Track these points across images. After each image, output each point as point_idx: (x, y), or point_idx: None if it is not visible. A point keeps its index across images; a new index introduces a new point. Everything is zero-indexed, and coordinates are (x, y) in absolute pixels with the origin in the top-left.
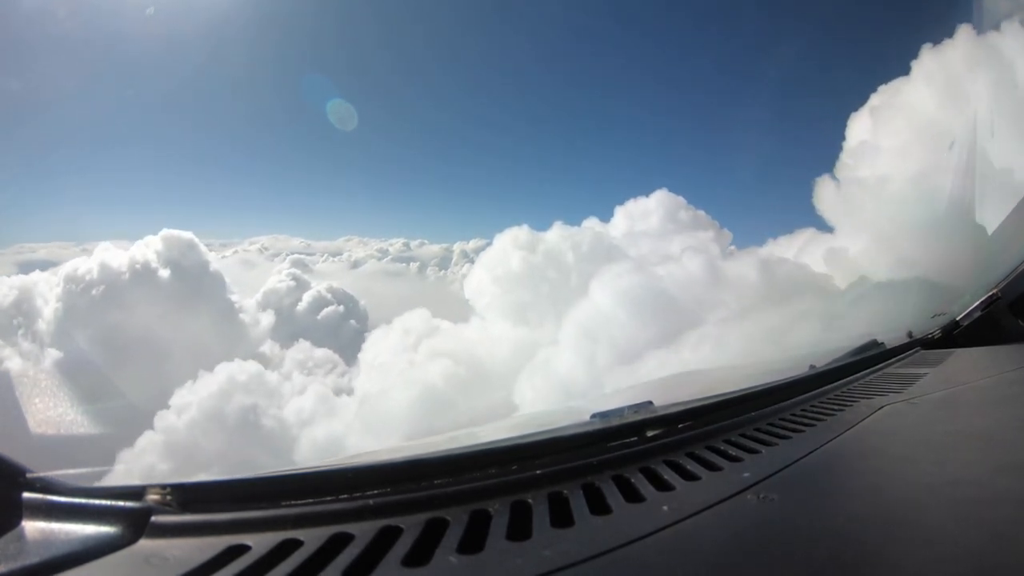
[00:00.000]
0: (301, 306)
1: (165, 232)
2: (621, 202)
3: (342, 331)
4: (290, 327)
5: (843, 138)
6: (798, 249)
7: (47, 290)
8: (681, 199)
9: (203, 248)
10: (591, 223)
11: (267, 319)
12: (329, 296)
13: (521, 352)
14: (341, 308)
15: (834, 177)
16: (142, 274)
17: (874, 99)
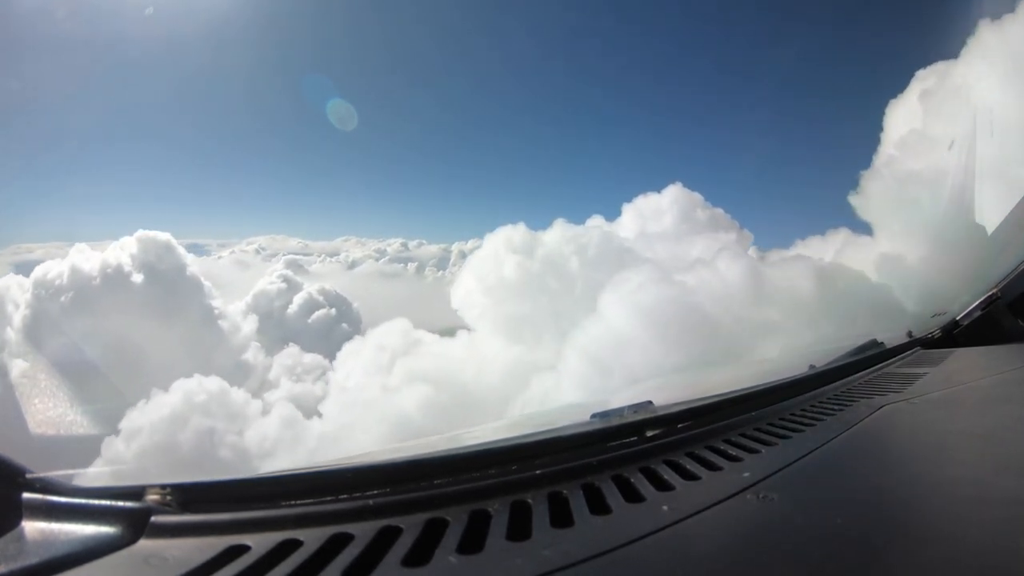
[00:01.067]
0: (292, 309)
1: (140, 233)
2: (627, 199)
3: (334, 335)
4: (279, 331)
5: (880, 129)
6: (835, 253)
7: (19, 294)
8: (697, 195)
9: (181, 250)
10: (596, 222)
11: (252, 324)
12: (321, 299)
13: (515, 377)
14: (333, 311)
15: (874, 172)
16: (112, 278)
17: (916, 84)
